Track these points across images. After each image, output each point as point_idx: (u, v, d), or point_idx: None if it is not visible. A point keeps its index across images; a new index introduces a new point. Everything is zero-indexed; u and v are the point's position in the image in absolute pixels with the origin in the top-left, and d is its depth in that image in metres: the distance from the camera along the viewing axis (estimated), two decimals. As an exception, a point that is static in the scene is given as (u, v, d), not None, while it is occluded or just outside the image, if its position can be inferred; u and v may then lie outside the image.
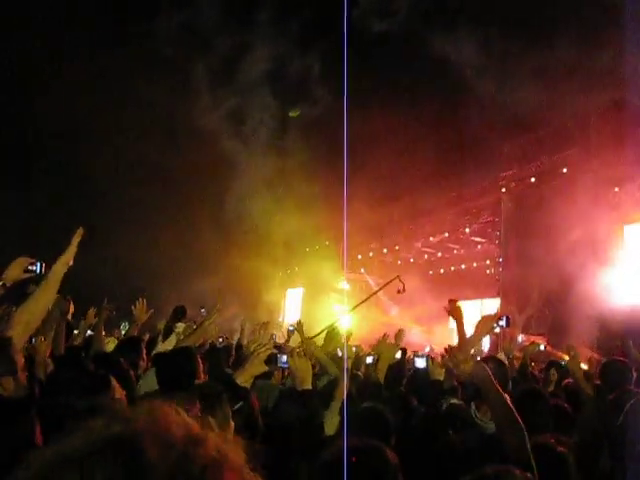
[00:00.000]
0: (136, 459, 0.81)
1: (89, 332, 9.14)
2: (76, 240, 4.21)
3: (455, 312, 5.38)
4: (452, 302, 5.46)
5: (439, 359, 5.48)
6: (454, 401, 4.88)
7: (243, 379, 3.78)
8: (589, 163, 19.88)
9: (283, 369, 5.68)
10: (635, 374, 3.99)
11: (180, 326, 8.37)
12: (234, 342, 10.49)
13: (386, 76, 20.42)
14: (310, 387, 4.19)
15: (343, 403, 4.26)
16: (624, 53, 16.27)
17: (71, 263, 4.29)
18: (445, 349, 4.58)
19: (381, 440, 3.06)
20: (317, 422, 3.76)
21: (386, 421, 3.55)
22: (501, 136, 22.55)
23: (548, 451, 3.00)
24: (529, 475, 1.90)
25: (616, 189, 19.55)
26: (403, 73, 20.49)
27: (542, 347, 14.46)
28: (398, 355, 6.63)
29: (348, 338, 7.97)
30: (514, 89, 18.65)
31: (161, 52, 21.99)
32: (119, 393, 3.74)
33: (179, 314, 8.88)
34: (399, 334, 7.30)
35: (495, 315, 4.92)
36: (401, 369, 5.78)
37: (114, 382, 3.72)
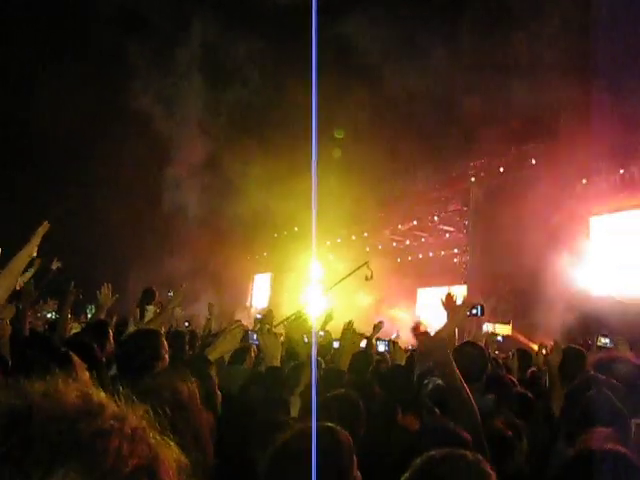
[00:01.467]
0: (22, 429, 0.82)
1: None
2: (40, 233, 4.18)
3: (451, 307, 5.41)
4: (450, 297, 5.49)
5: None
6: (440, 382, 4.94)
7: (215, 355, 3.77)
8: (557, 155, 20.06)
9: (256, 353, 5.68)
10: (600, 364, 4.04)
11: (150, 309, 8.34)
12: (202, 328, 10.44)
13: (355, 62, 20.35)
14: (278, 364, 4.23)
15: (308, 389, 4.29)
16: (593, 46, 16.40)
17: (34, 254, 4.26)
18: (414, 330, 4.67)
19: (351, 428, 3.09)
20: (283, 400, 3.78)
21: (358, 409, 3.56)
22: (471, 126, 22.65)
23: (496, 435, 3.05)
24: (480, 457, 1.90)
25: (583, 181, 19.78)
26: (372, 58, 20.42)
27: (500, 338, 14.62)
28: (364, 344, 6.63)
29: (327, 322, 7.99)
30: (485, 80, 18.73)
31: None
32: (82, 373, 3.71)
33: (148, 297, 8.81)
34: (377, 326, 7.33)
35: (469, 304, 4.97)
36: (367, 358, 5.74)
37: (76, 360, 3.68)
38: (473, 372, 4.00)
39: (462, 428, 2.71)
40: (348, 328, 5.86)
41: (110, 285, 6.40)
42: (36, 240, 4.15)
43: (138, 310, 8.04)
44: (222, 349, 3.92)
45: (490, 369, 5.04)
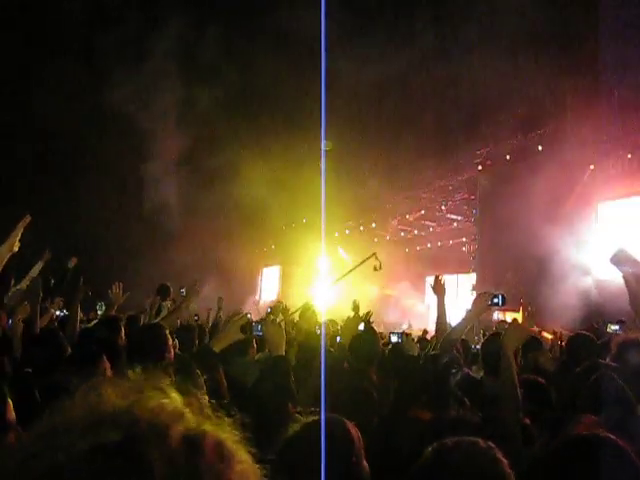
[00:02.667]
0: (138, 470, 0.75)
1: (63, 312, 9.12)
2: (21, 226, 4.18)
3: (438, 288, 5.61)
4: (437, 278, 5.70)
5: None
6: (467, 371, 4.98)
7: (220, 346, 3.79)
8: (564, 141, 19.99)
9: (257, 343, 5.70)
10: (615, 349, 4.01)
11: (165, 305, 8.37)
12: (210, 321, 10.47)
13: (360, 53, 20.28)
14: (283, 354, 4.25)
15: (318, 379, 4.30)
16: (600, 32, 16.31)
17: (16, 249, 4.25)
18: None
19: (364, 419, 3.09)
20: (290, 390, 3.79)
21: (371, 401, 3.56)
22: (477, 114, 22.57)
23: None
24: (492, 445, 1.90)
25: (591, 167, 19.67)
26: (380, 51, 20.35)
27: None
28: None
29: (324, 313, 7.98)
30: (490, 67, 18.63)
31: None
32: (108, 370, 3.75)
33: (163, 293, 8.84)
34: (354, 304, 7.30)
35: (490, 293, 5.03)
36: (367, 342, 5.75)
37: (104, 358, 3.72)
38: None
39: (505, 418, 2.72)
40: (348, 317, 5.92)
41: (120, 284, 6.45)
42: (17, 233, 4.14)
43: (152, 306, 8.08)
44: (226, 340, 3.94)
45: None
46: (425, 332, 13.68)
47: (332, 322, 7.49)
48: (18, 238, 4.12)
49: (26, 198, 21.04)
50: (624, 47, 16.47)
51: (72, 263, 8.00)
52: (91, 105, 20.70)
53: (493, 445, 1.90)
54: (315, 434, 2.06)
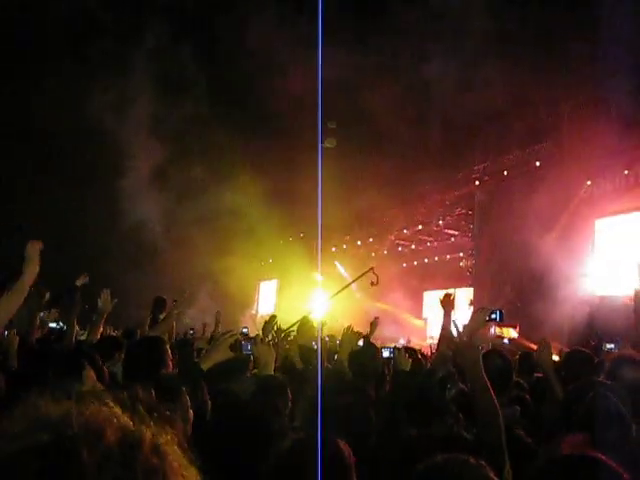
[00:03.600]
0: (71, 468, 0.76)
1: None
2: (36, 252, 4.16)
3: (447, 304, 5.62)
4: (447, 296, 5.76)
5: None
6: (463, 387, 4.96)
7: (207, 365, 3.79)
8: (562, 157, 20.07)
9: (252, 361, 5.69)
10: (609, 365, 4.00)
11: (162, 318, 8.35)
12: (208, 335, 10.43)
13: (357, 68, 20.36)
14: (272, 372, 4.25)
15: (314, 397, 4.29)
16: (599, 48, 16.39)
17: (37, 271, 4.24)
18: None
19: (361, 437, 3.08)
20: (279, 409, 3.78)
21: (368, 418, 3.54)
22: (474, 129, 22.65)
23: (518, 442, 3.04)
24: (483, 462, 1.89)
25: (588, 183, 19.73)
26: (373, 62, 20.45)
27: (506, 341, 14.59)
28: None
29: (321, 328, 7.95)
30: (488, 83, 18.70)
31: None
32: (93, 381, 3.72)
33: (160, 305, 8.79)
34: (373, 323, 7.33)
35: (489, 308, 5.03)
36: (366, 356, 5.75)
37: (89, 370, 3.70)
38: (498, 384, 3.93)
39: (486, 433, 2.71)
40: (347, 330, 5.90)
41: (108, 291, 6.40)
42: (35, 261, 4.11)
43: (149, 319, 8.04)
44: (215, 358, 3.93)
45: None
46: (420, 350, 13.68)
47: (331, 337, 7.49)
48: (37, 264, 4.09)
49: (25, 200, 21.10)
50: (622, 64, 16.54)
51: (82, 280, 7.89)
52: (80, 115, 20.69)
53: (484, 463, 1.89)
54: (305, 452, 2.05)
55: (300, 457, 2.09)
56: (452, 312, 5.64)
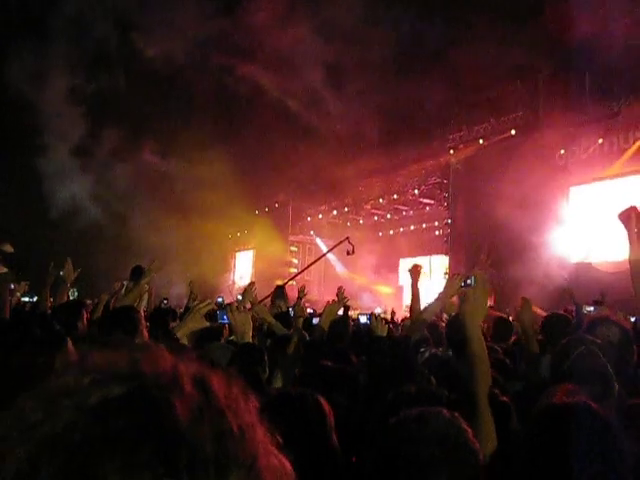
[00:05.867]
0: (168, 427, 0.69)
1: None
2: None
3: (415, 273, 5.73)
4: (416, 266, 5.88)
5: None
6: (434, 351, 4.99)
7: (182, 333, 3.74)
8: (537, 125, 20.10)
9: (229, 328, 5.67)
10: (586, 325, 4.02)
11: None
12: (184, 305, 10.38)
13: (337, 32, 20.17)
14: (250, 341, 4.22)
15: (293, 361, 4.28)
16: (573, 16, 16.36)
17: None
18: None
19: (351, 402, 3.06)
20: (257, 376, 3.75)
21: (356, 382, 3.52)
22: (449, 98, 22.58)
23: (493, 400, 3.03)
24: (456, 414, 1.88)
25: (562, 151, 19.81)
26: (357, 31, 20.27)
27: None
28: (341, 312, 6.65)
29: (300, 296, 7.92)
30: (462, 51, 18.64)
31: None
32: (72, 353, 3.64)
33: (137, 275, 8.67)
34: (340, 292, 7.35)
35: (463, 274, 5.07)
36: (344, 325, 5.81)
37: (69, 342, 3.62)
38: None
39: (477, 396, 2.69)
40: (328, 303, 5.92)
41: (70, 259, 6.37)
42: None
43: (123, 289, 7.95)
44: (189, 327, 3.89)
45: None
46: (393, 313, 13.74)
47: (298, 307, 7.41)
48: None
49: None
50: (596, 32, 16.53)
51: (6, 247, 7.82)
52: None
53: (457, 415, 1.88)
54: (285, 406, 2.04)
55: (278, 410, 2.07)
56: (418, 279, 5.76)
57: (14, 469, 0.65)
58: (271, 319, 6.13)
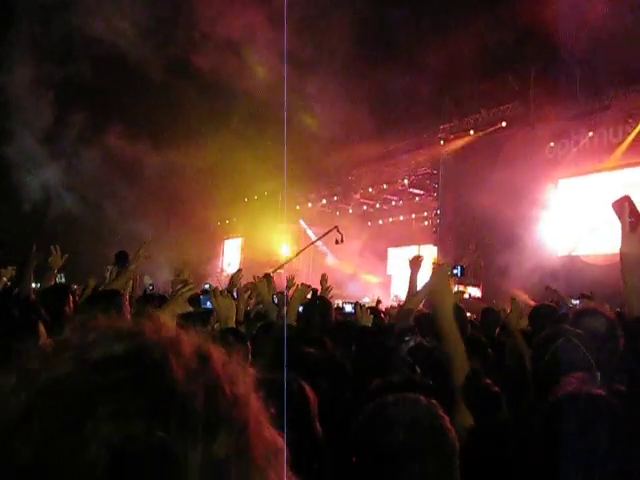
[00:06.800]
0: (163, 383, 0.72)
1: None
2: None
3: (415, 265, 5.71)
4: (417, 258, 5.86)
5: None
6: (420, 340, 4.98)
7: (165, 317, 3.72)
8: (527, 118, 20.14)
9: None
10: (571, 317, 4.04)
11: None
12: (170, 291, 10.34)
13: (323, 27, 20.08)
14: (233, 326, 4.19)
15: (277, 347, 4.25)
16: (563, 11, 16.37)
17: None
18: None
19: (338, 390, 3.05)
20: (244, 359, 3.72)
21: (344, 371, 3.51)
22: (441, 89, 22.57)
23: (485, 391, 3.03)
24: (434, 402, 1.89)
25: (552, 144, 19.86)
26: (343, 20, 20.17)
27: (467, 296, 14.78)
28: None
29: (289, 285, 7.88)
30: (455, 42, 18.61)
31: None
32: (45, 340, 3.61)
33: (122, 260, 8.64)
34: (323, 279, 7.33)
35: (450, 264, 5.06)
36: (313, 310, 5.73)
37: (41, 328, 3.58)
38: None
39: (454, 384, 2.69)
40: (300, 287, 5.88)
41: (57, 246, 6.36)
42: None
43: (109, 274, 7.93)
44: (172, 311, 3.86)
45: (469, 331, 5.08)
46: (378, 302, 13.73)
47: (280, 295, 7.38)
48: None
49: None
50: (587, 27, 16.55)
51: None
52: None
53: (435, 402, 1.89)
54: (269, 390, 2.02)
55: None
56: (418, 271, 5.71)
57: (9, 414, 0.69)
58: (269, 299, 6.08)
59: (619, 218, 2.29)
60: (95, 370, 0.71)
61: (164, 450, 0.67)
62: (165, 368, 0.72)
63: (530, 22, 17.73)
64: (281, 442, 0.81)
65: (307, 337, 4.41)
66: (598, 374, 2.84)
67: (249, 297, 7.02)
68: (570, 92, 18.96)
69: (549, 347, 3.03)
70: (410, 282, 5.67)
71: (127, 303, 3.95)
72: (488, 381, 3.20)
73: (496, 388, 3.15)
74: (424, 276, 4.92)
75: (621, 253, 2.24)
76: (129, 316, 3.85)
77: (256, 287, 5.97)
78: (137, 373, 0.71)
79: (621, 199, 2.36)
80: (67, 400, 0.69)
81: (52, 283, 6.45)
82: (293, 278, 7.96)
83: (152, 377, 0.72)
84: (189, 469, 0.68)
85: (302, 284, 5.96)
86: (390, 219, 30.03)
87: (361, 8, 20.70)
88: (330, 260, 28.34)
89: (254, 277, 6.96)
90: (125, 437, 0.67)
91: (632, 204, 2.33)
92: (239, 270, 7.09)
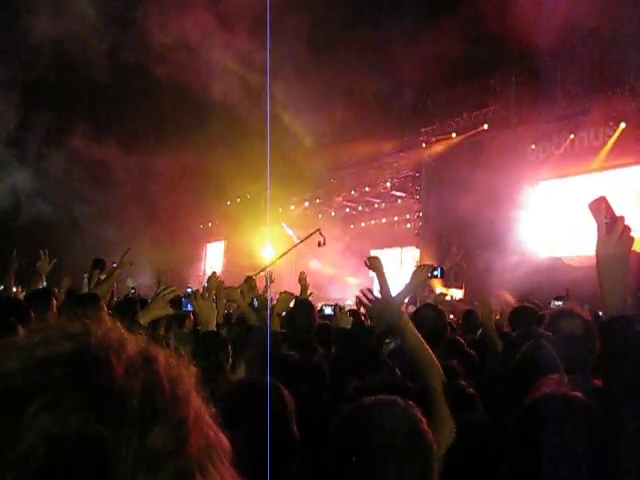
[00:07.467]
0: (102, 372, 0.75)
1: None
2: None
3: (375, 264, 5.56)
4: (374, 259, 5.69)
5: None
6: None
7: (146, 320, 3.71)
8: (508, 120, 20.26)
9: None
10: (548, 318, 4.06)
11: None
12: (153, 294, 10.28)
13: (304, 29, 20.09)
14: (214, 329, 4.18)
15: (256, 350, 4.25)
16: (545, 13, 16.47)
17: None
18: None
19: (316, 392, 3.05)
20: (221, 365, 3.72)
21: (321, 374, 3.51)
22: (422, 92, 22.65)
23: (459, 392, 3.04)
24: (411, 403, 1.89)
25: (533, 146, 19.98)
26: (324, 25, 20.22)
27: (448, 298, 14.81)
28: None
29: (267, 283, 7.84)
30: (437, 44, 18.67)
31: None
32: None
33: (99, 266, 8.63)
34: (301, 278, 7.28)
35: (430, 265, 5.05)
36: (297, 317, 5.72)
37: (21, 331, 3.55)
38: (432, 336, 3.90)
39: (426, 383, 2.70)
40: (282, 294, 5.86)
41: (46, 251, 6.33)
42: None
43: (90, 280, 7.89)
44: (153, 314, 3.85)
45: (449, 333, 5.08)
46: (358, 304, 13.75)
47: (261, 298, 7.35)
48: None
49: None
50: (568, 29, 16.68)
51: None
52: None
53: (412, 403, 1.89)
54: (247, 393, 2.03)
55: (239, 398, 2.07)
56: (382, 270, 5.65)
57: None
58: (245, 305, 6.06)
59: (595, 219, 2.30)
60: (38, 367, 0.74)
61: (98, 440, 0.70)
62: (105, 365, 0.75)
63: (512, 26, 17.84)
64: (226, 441, 0.83)
65: (296, 342, 4.42)
66: (565, 376, 2.86)
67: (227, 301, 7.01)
68: (551, 95, 19.11)
69: (518, 349, 3.05)
70: (380, 283, 5.61)
71: (104, 307, 3.93)
72: (462, 382, 3.21)
73: (471, 390, 3.16)
74: (405, 278, 4.91)
75: (597, 255, 2.25)
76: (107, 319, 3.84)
77: (228, 294, 5.94)
78: (77, 370, 0.74)
79: (597, 200, 2.36)
80: (7, 394, 0.72)
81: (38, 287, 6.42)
82: (272, 275, 7.92)
83: (91, 373, 0.74)
84: (123, 458, 0.71)
85: (285, 292, 5.94)
86: (373, 222, 30.03)
87: (343, 10, 20.75)
88: (313, 263, 28.31)
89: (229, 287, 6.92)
90: (61, 428, 0.70)
91: (608, 205, 2.34)
92: (213, 273, 7.05)
